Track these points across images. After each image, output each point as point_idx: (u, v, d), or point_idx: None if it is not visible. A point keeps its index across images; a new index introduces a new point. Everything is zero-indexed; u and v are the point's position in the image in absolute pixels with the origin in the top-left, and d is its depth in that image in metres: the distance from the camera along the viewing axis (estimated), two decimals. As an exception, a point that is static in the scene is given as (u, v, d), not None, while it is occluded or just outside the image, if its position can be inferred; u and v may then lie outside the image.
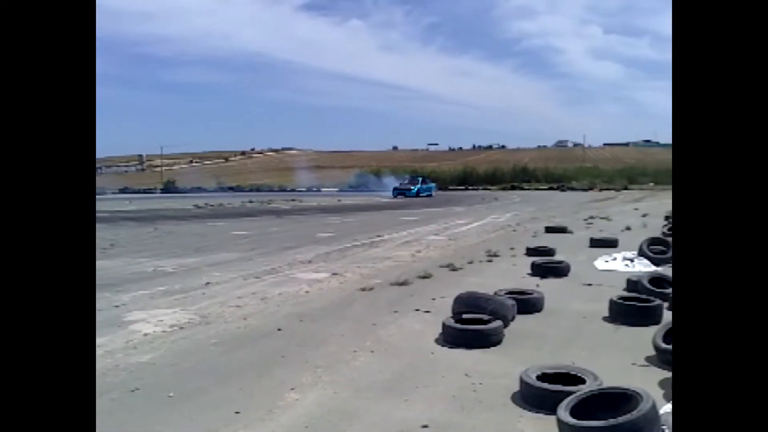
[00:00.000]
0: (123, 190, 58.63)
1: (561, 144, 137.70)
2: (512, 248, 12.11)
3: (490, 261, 10.72)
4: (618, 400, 3.32)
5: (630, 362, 4.81)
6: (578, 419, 3.20)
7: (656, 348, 4.81)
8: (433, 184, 48.47)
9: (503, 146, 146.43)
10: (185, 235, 16.52)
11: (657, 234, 12.39)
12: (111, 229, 17.43)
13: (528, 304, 6.59)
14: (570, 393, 3.58)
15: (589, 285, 8.28)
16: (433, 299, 7.27)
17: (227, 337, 5.72)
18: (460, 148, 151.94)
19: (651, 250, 10.26)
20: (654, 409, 3.07)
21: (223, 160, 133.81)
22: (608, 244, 12.43)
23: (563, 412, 3.28)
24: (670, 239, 10.81)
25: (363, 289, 7.98)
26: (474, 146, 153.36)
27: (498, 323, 5.47)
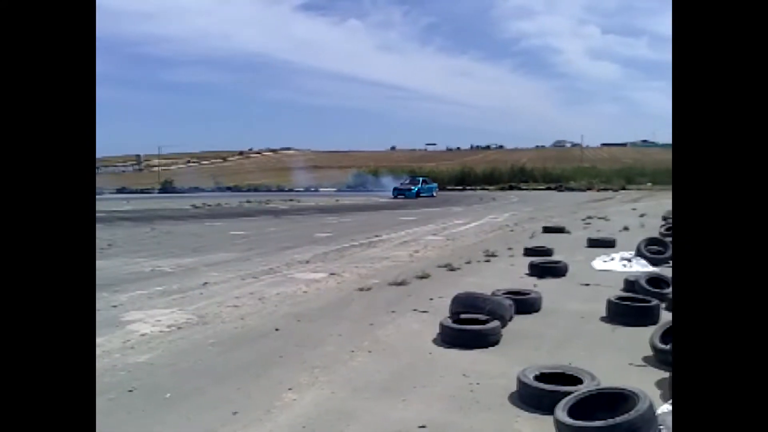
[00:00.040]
0: (120, 190, 58.48)
1: (559, 144, 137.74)
2: (510, 248, 12.12)
3: (487, 261, 10.73)
4: (615, 400, 3.32)
5: (627, 362, 4.82)
6: (576, 419, 3.20)
7: (653, 348, 4.82)
8: (434, 185, 47.60)
9: (501, 146, 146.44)
10: (183, 235, 16.50)
11: (655, 234, 12.41)
12: (108, 229, 17.41)
13: (526, 304, 6.60)
14: (567, 393, 3.58)
15: (587, 285, 8.29)
16: (431, 299, 7.27)
17: (225, 337, 5.71)
18: (458, 148, 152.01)
19: (648, 250, 10.28)
20: (651, 409, 3.07)
21: (221, 160, 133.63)
22: (606, 244, 12.44)
23: (561, 412, 3.29)
24: (667, 239, 10.83)
25: (361, 289, 7.98)
26: (472, 146, 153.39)
27: (496, 323, 5.47)
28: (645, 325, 5.71)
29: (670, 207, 20.73)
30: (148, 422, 3.76)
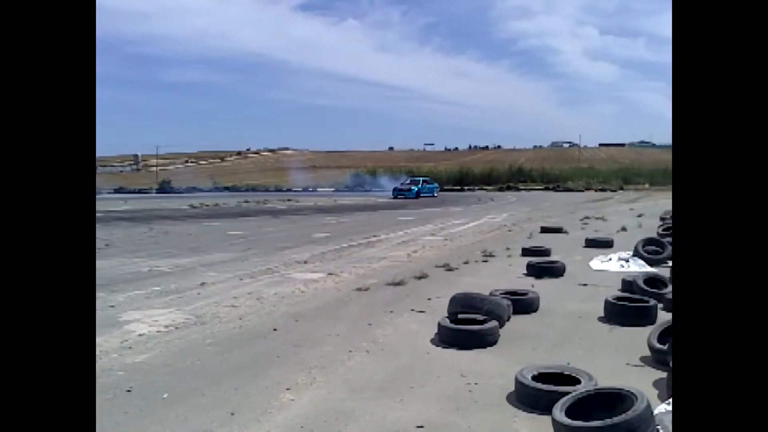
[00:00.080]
0: (118, 190, 58.33)
1: (557, 144, 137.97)
2: (508, 248, 12.12)
3: (485, 261, 10.74)
4: (613, 400, 3.32)
5: (625, 362, 4.83)
6: (573, 419, 3.20)
7: (651, 348, 4.83)
8: (435, 185, 47.24)
9: (499, 146, 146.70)
10: (180, 235, 16.47)
11: (652, 234, 12.43)
12: (106, 229, 17.37)
13: (523, 305, 6.60)
14: (565, 393, 3.58)
15: (585, 285, 8.30)
16: (429, 299, 7.27)
17: (222, 338, 5.71)
18: (456, 148, 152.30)
19: (646, 250, 10.30)
20: (649, 409, 3.07)
21: (219, 160, 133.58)
22: (603, 244, 12.46)
23: (558, 412, 3.29)
24: (665, 240, 10.86)
25: (359, 289, 7.98)
26: (470, 146, 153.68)
27: (493, 323, 5.48)
28: (642, 325, 5.72)
29: (667, 207, 20.78)
30: (146, 422, 3.76)
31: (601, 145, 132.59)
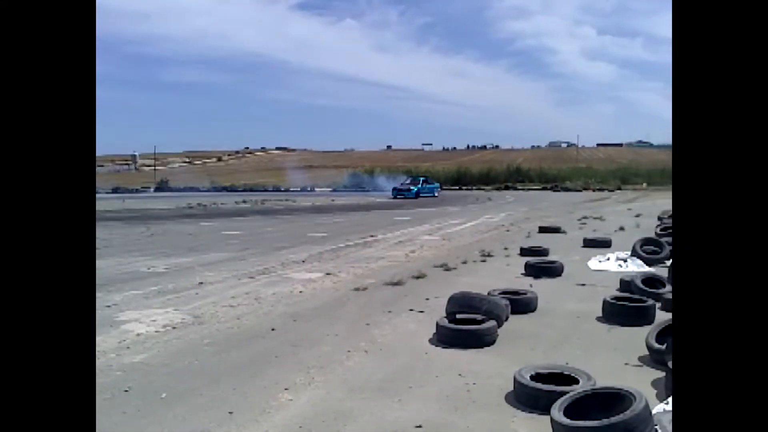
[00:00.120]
0: (116, 190, 58.19)
1: (555, 144, 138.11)
2: (506, 248, 12.13)
3: (483, 261, 10.74)
4: (611, 400, 3.32)
5: (623, 362, 4.83)
6: (572, 419, 3.20)
7: (649, 348, 4.83)
8: (436, 185, 46.78)
9: (497, 146, 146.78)
10: (178, 234, 16.46)
11: (650, 234, 12.44)
12: (103, 228, 17.33)
13: (522, 304, 6.61)
14: (563, 393, 3.59)
15: (583, 285, 8.31)
16: (427, 299, 7.27)
17: (220, 337, 5.70)
18: (454, 148, 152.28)
19: (644, 250, 10.31)
20: (647, 409, 3.07)
21: (217, 160, 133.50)
22: (602, 244, 12.47)
23: (557, 412, 3.29)
24: (663, 240, 10.87)
25: (357, 289, 7.98)
26: (468, 146, 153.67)
27: (492, 323, 5.48)
28: (641, 325, 5.72)
29: (665, 207, 20.82)
30: (144, 422, 3.75)
31: (599, 145, 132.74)
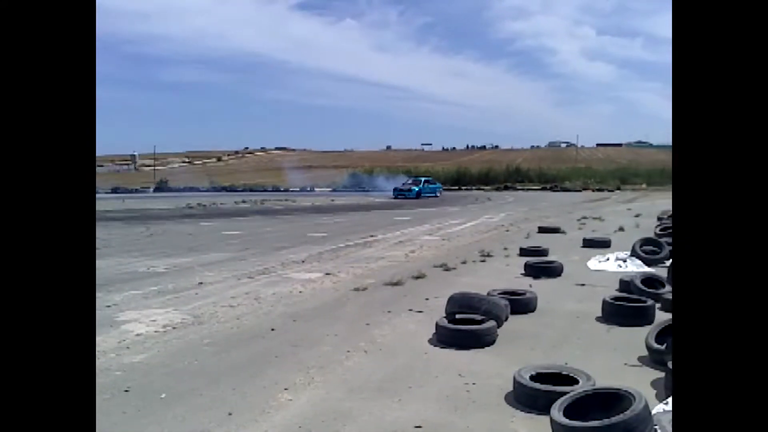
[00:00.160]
0: (115, 190, 58.17)
1: (554, 144, 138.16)
2: (505, 248, 12.13)
3: (483, 261, 10.74)
4: (611, 400, 3.33)
5: (623, 362, 4.83)
6: (571, 419, 3.21)
7: (649, 348, 4.83)
8: (438, 185, 46.38)
9: (497, 146, 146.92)
10: (178, 234, 16.45)
11: (650, 234, 12.44)
12: (103, 228, 17.32)
13: (521, 305, 6.61)
14: (563, 393, 3.59)
15: (582, 285, 8.31)
16: (427, 299, 7.27)
17: (220, 338, 5.70)
18: (454, 148, 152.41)
19: (643, 250, 10.31)
20: (646, 409, 3.08)
21: (216, 160, 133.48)
22: (601, 244, 12.48)
23: (556, 412, 3.29)
24: (662, 240, 10.87)
25: (356, 289, 7.98)
26: (467, 146, 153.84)
27: (491, 323, 5.48)
28: (640, 325, 5.73)
29: (664, 207, 20.83)
30: (144, 423, 3.75)
31: (598, 145, 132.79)
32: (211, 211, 28.33)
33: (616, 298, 6.53)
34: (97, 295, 7.41)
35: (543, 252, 11.32)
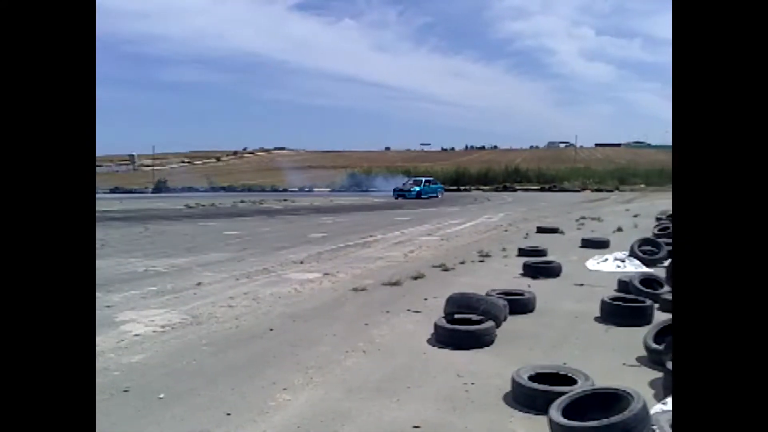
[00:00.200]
0: (114, 190, 58.17)
1: (553, 144, 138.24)
2: (504, 248, 12.13)
3: (482, 261, 10.74)
4: (609, 400, 3.33)
5: (621, 362, 4.84)
6: (570, 419, 3.21)
7: (647, 348, 4.84)
8: (439, 185, 46.07)
9: (495, 147, 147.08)
10: (176, 235, 16.44)
11: (648, 235, 12.44)
12: (101, 228, 17.31)
13: (520, 305, 6.61)
14: (561, 393, 3.59)
15: (581, 285, 8.31)
16: (426, 299, 7.27)
17: (219, 338, 5.70)
18: (453, 148, 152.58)
19: (642, 250, 10.31)
20: (645, 409, 3.08)
21: (215, 160, 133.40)
22: (600, 244, 12.48)
23: (555, 412, 3.30)
24: (660, 240, 10.88)
25: (355, 290, 7.98)
26: (467, 146, 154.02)
27: (490, 323, 5.48)
28: (638, 325, 5.73)
29: (663, 207, 20.84)
30: (143, 423, 3.75)
31: (597, 145, 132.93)
32: (209, 211, 28.32)
33: (615, 299, 6.53)
34: (97, 294, 7.40)
35: (542, 252, 11.32)
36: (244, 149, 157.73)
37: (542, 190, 54.92)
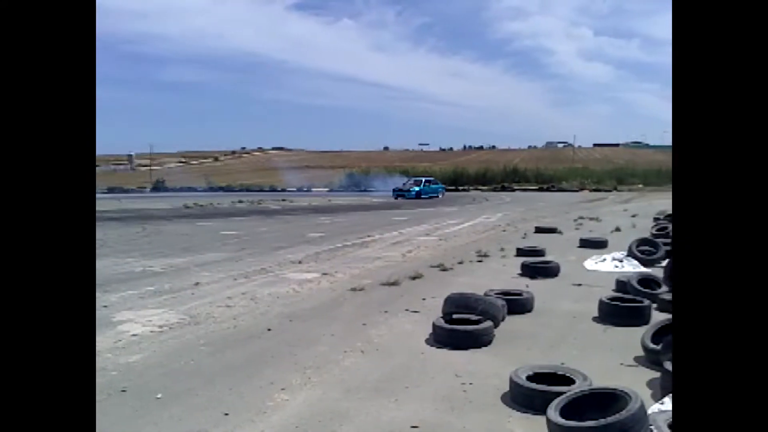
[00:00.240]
0: (112, 190, 58.02)
1: (551, 144, 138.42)
2: (502, 248, 12.14)
3: (480, 261, 10.75)
4: (607, 400, 3.33)
5: (619, 362, 4.84)
6: (568, 419, 3.21)
7: (645, 348, 4.84)
8: (440, 185, 45.67)
9: (494, 147, 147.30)
10: (174, 234, 16.43)
11: (646, 235, 12.46)
12: (99, 228, 17.26)
13: (518, 305, 6.61)
14: (559, 393, 3.59)
15: (579, 285, 8.32)
16: (424, 299, 7.27)
17: (216, 338, 5.69)
18: (451, 148, 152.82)
19: (640, 250, 10.32)
20: (642, 409, 3.08)
21: (213, 160, 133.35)
22: (597, 244, 12.49)
23: (553, 412, 3.30)
24: (658, 240, 10.89)
25: (353, 289, 7.97)
26: (465, 146, 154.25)
27: (488, 323, 5.48)
28: (636, 325, 5.74)
29: (661, 208, 20.87)
30: (140, 423, 3.74)
31: (595, 145, 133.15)
32: (207, 211, 28.30)
33: (613, 299, 6.53)
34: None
35: (540, 252, 11.33)
36: (242, 149, 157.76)
37: (540, 190, 54.95)
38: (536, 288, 7.76)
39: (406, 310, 6.79)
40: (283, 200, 39.19)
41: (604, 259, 10.13)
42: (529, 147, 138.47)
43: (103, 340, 5.51)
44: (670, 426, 3.00)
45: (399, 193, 41.57)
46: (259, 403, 4.02)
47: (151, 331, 5.92)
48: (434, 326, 5.51)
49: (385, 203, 35.43)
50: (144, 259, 11.27)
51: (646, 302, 6.35)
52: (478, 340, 5.31)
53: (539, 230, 15.92)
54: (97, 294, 7.53)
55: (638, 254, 10.16)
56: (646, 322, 5.75)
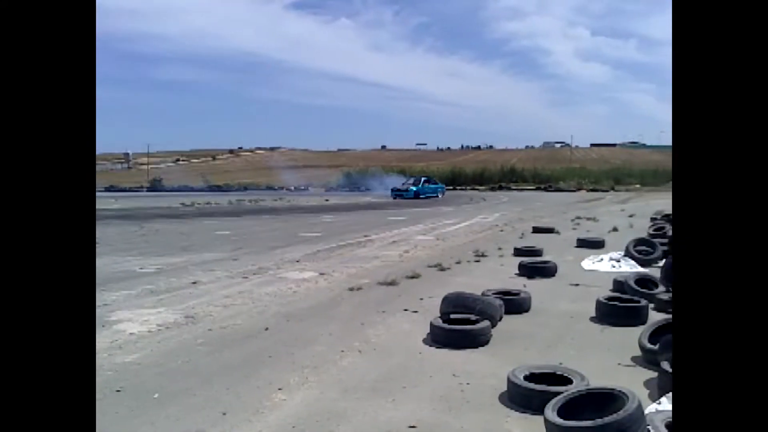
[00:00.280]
0: (109, 189, 57.91)
1: (549, 144, 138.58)
2: (500, 248, 12.15)
3: (477, 261, 10.75)
4: (604, 400, 3.33)
5: (616, 362, 4.85)
6: (565, 419, 3.21)
7: (642, 348, 4.85)
8: (440, 185, 45.58)
9: (491, 146, 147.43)
10: (171, 234, 16.40)
11: (643, 235, 12.49)
12: (97, 227, 17.22)
13: (515, 305, 6.62)
14: (557, 393, 3.59)
15: (576, 285, 8.33)
16: (421, 299, 7.27)
17: (214, 337, 5.68)
18: (449, 148, 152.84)
19: (637, 250, 10.35)
20: (640, 409, 3.08)
21: (211, 159, 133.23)
22: (595, 244, 12.51)
23: (550, 412, 3.30)
24: (656, 240, 10.92)
25: (351, 289, 7.97)
26: (462, 146, 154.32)
27: (486, 323, 5.48)
28: (634, 325, 5.75)
29: (658, 208, 20.92)
30: (137, 423, 3.73)
31: (592, 145, 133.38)
32: (205, 210, 28.26)
33: (610, 298, 6.54)
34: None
35: (537, 252, 11.34)
36: (240, 148, 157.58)
37: (538, 190, 55.06)
38: (534, 288, 7.76)
39: (404, 309, 6.79)
40: (281, 199, 39.18)
41: (602, 259, 10.15)
42: (527, 147, 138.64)
43: (99, 340, 5.49)
44: (667, 426, 3.00)
45: (397, 193, 41.49)
46: (256, 403, 4.01)
47: (149, 331, 5.90)
48: (432, 326, 5.50)
49: (383, 203, 35.43)
50: (141, 257, 11.25)
51: (644, 302, 6.36)
52: (476, 340, 5.31)
53: (537, 230, 15.95)
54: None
55: (635, 254, 10.18)
56: (644, 322, 5.76)
